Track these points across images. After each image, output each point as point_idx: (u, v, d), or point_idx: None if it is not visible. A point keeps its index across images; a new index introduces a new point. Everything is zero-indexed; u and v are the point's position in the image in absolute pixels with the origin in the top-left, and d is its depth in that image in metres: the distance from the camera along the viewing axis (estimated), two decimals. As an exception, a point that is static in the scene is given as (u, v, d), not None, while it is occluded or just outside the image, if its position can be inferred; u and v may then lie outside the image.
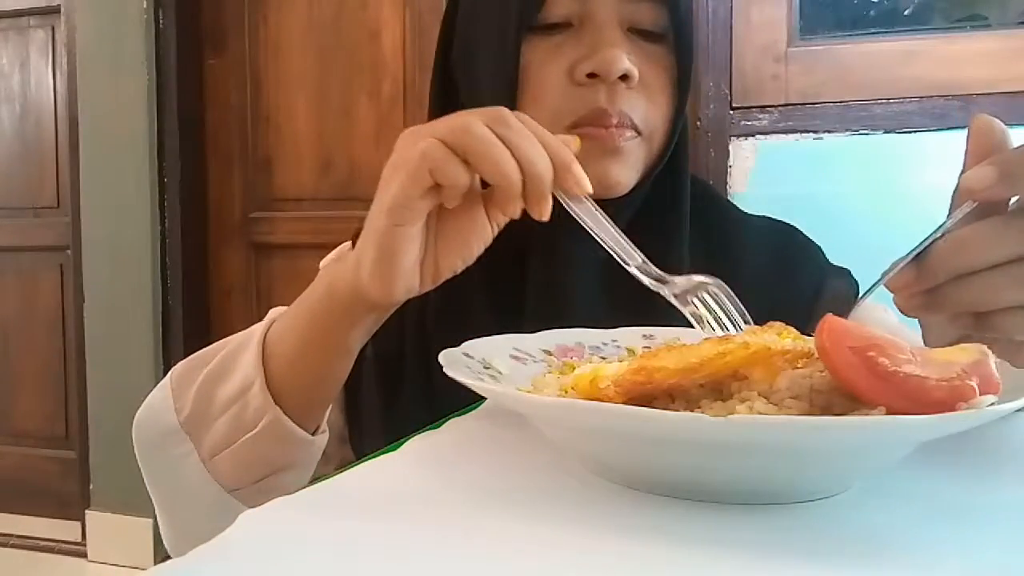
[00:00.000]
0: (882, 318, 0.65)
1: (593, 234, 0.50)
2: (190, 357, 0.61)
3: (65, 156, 2.16)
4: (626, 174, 0.62)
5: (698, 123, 1.61)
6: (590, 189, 0.48)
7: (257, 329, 0.57)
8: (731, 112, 1.60)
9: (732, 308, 0.49)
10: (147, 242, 2.00)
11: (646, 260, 0.50)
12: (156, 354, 2.00)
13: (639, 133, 0.62)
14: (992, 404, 0.31)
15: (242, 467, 0.55)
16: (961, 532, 0.31)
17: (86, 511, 2.09)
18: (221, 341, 0.60)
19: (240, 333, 0.59)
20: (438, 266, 0.51)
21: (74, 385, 2.14)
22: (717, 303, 0.49)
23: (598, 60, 0.59)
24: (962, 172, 0.45)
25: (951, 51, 1.51)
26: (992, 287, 0.41)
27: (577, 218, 0.49)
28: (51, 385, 2.28)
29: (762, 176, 1.58)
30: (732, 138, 1.59)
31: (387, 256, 0.48)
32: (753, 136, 1.59)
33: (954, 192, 0.46)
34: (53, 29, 2.27)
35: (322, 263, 0.73)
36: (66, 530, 2.18)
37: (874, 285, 0.44)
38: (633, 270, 0.50)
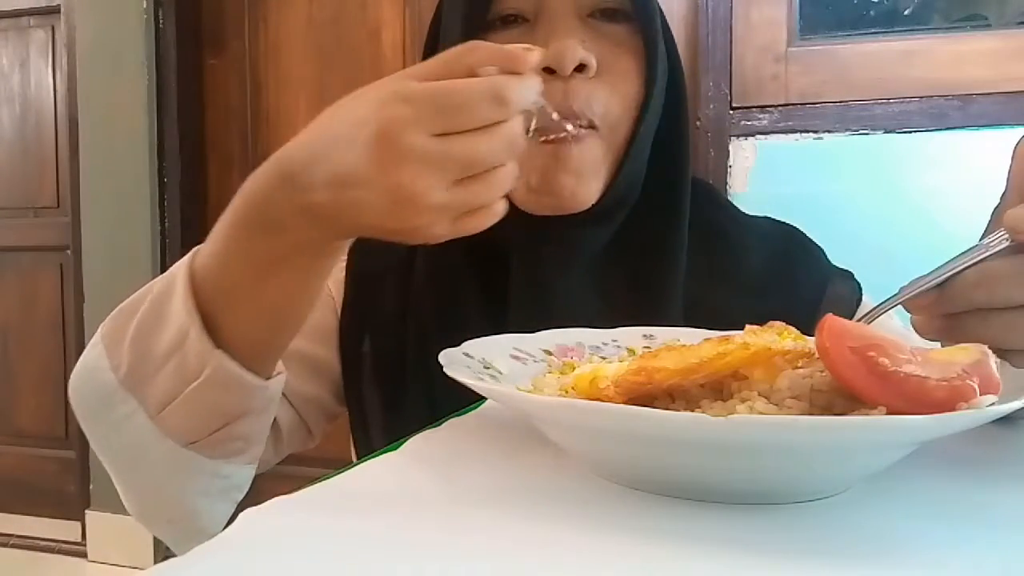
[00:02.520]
0: (886, 323, 0.65)
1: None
2: (116, 309, 0.55)
3: (65, 156, 2.16)
4: (583, 183, 0.60)
5: (698, 123, 1.61)
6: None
7: (180, 269, 0.50)
8: (731, 112, 1.60)
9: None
10: (147, 242, 2.00)
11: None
12: (156, 354, 2.00)
13: (596, 127, 0.59)
14: (992, 404, 0.31)
15: (194, 419, 0.50)
16: (961, 532, 0.31)
17: (86, 511, 2.09)
18: (146, 286, 0.54)
19: (164, 275, 0.53)
20: None
21: (74, 385, 2.13)
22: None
23: (550, 54, 0.56)
24: (1003, 195, 0.43)
25: (951, 51, 1.50)
26: (1014, 327, 0.40)
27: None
28: (51, 385, 2.28)
29: (762, 176, 1.58)
30: (732, 138, 1.59)
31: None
32: (753, 136, 1.59)
33: (993, 211, 0.44)
34: (53, 29, 2.26)
35: None
36: (66, 530, 2.18)
37: (890, 301, 0.43)
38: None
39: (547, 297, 0.62)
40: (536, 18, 0.60)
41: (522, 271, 0.63)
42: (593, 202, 0.61)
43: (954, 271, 0.41)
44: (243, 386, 0.50)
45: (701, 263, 0.66)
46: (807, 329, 0.65)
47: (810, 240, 0.72)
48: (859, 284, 0.69)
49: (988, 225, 0.44)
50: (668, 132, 0.65)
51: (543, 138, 0.58)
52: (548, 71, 0.57)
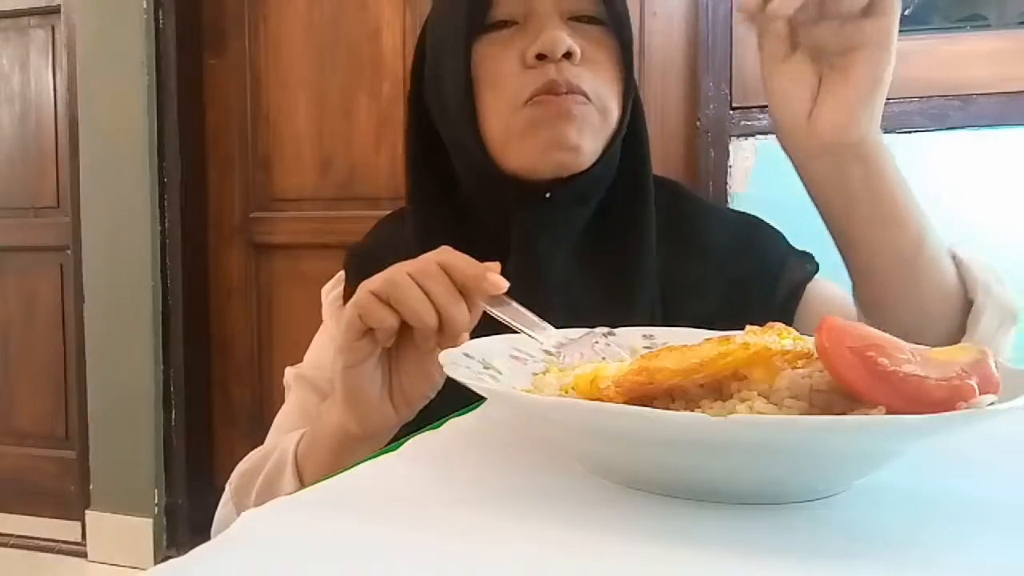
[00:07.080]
0: (829, 289, 0.74)
1: (513, 327, 0.52)
2: (242, 469, 0.69)
3: (65, 156, 2.16)
4: (585, 139, 0.68)
5: (698, 123, 1.61)
6: (506, 285, 0.53)
7: (289, 450, 0.64)
8: (731, 112, 1.59)
9: (622, 346, 0.51)
10: (147, 242, 2.00)
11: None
12: (156, 354, 2.00)
13: (590, 100, 0.68)
14: (992, 404, 0.31)
15: None
16: (961, 531, 0.31)
17: (86, 511, 2.09)
18: (262, 451, 0.69)
19: (277, 451, 0.66)
20: (407, 394, 0.58)
21: (74, 385, 2.13)
22: (612, 346, 0.51)
23: (543, 42, 0.66)
24: None
25: (951, 51, 1.50)
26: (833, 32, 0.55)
27: (499, 318, 0.53)
28: (51, 385, 2.28)
29: (762, 176, 1.58)
30: (732, 138, 1.59)
31: (351, 392, 0.57)
32: (753, 136, 1.58)
33: None
34: (53, 29, 2.26)
35: (323, 291, 0.81)
36: (66, 530, 2.18)
37: None
38: (547, 346, 0.52)
39: (543, 273, 0.70)
40: (525, 21, 0.69)
41: (519, 248, 0.70)
42: (592, 162, 0.69)
43: None
44: None
45: (673, 244, 0.74)
46: (770, 300, 0.73)
47: (770, 225, 0.80)
48: (816, 263, 0.76)
49: None
50: (630, 126, 0.74)
51: (549, 94, 0.66)
52: (540, 57, 0.66)
